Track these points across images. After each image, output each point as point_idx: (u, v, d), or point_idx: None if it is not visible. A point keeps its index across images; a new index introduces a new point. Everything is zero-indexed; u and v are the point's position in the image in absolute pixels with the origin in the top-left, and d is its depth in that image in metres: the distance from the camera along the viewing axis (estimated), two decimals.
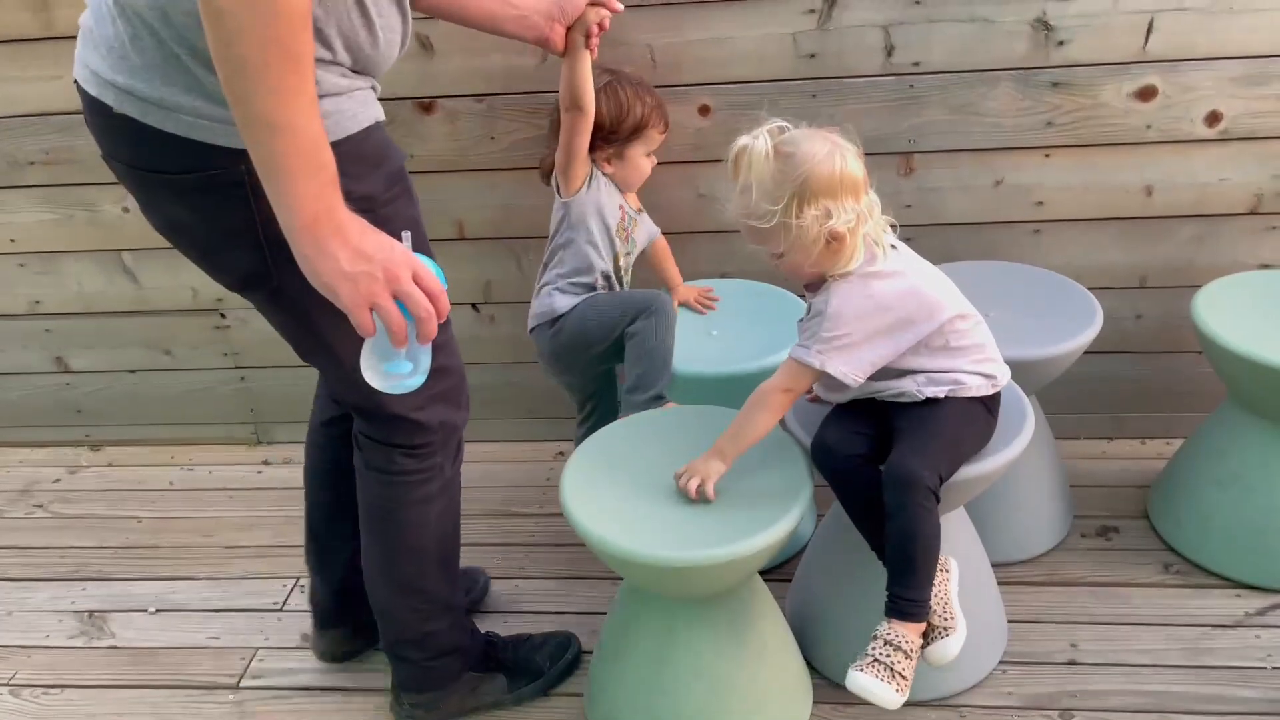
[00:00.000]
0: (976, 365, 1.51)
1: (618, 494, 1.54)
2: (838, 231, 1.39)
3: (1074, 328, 1.84)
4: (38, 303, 2.47)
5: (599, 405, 2.06)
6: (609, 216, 1.89)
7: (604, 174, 1.89)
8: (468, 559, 2.09)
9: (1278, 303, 1.88)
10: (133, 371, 2.54)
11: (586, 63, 1.77)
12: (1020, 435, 1.58)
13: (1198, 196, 2.05)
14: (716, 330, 1.98)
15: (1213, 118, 1.97)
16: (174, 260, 2.35)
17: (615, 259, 1.92)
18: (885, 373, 1.48)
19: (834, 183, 1.39)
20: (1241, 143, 1.99)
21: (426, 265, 1.14)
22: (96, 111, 1.23)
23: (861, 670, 1.39)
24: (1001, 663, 1.78)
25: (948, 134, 2.03)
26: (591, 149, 1.86)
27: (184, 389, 2.55)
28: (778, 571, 1.97)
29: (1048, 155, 2.04)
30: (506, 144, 2.14)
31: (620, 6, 1.75)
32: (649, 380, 1.81)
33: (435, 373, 1.39)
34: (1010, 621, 1.84)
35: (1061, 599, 1.91)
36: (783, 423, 1.65)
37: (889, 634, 1.41)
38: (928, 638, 1.44)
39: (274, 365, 2.48)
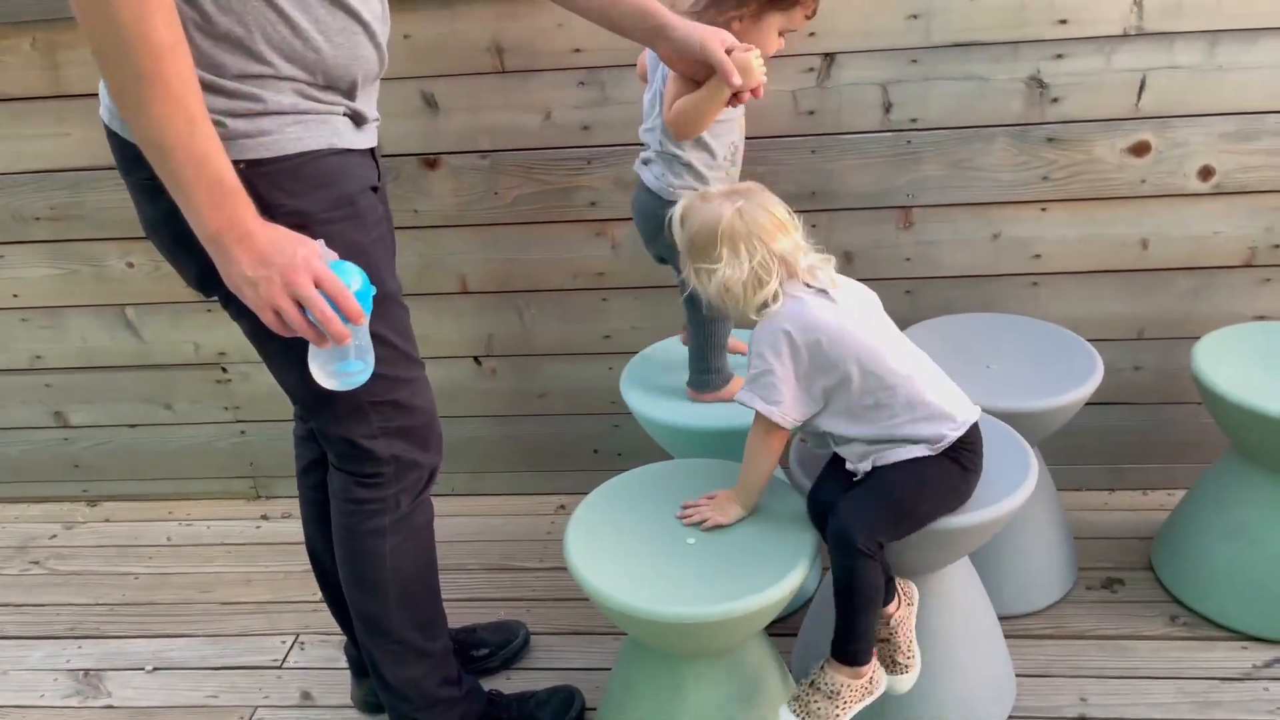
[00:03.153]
0: (913, 428, 1.45)
1: (622, 548, 1.53)
2: (728, 281, 1.43)
3: (1074, 379, 1.85)
4: (39, 357, 2.47)
5: None
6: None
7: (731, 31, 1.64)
8: (470, 614, 2.09)
9: (1276, 354, 1.89)
10: (132, 426, 2.53)
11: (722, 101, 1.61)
12: (1022, 485, 1.57)
13: (1193, 249, 2.07)
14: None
15: (1205, 172, 2.00)
16: (177, 314, 2.39)
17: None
18: (836, 437, 1.50)
19: (712, 237, 1.43)
20: (1234, 197, 2.02)
21: (336, 270, 1.18)
22: (106, 132, 1.31)
23: (786, 705, 1.45)
24: (1011, 717, 1.76)
25: (945, 188, 2.06)
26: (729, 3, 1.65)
27: (183, 443, 2.54)
28: (782, 625, 1.95)
29: (1044, 209, 2.07)
30: (510, 199, 2.16)
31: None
32: (719, 364, 1.86)
33: (392, 407, 1.46)
34: (1019, 675, 1.82)
35: (1069, 652, 1.89)
36: (789, 475, 1.66)
37: (816, 675, 1.45)
38: (889, 669, 1.51)
39: (275, 419, 2.47)
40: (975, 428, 1.50)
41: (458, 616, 2.05)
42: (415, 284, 2.27)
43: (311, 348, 1.23)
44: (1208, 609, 1.93)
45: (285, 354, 1.36)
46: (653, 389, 1.95)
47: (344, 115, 1.33)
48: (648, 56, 1.78)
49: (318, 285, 1.16)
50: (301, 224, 1.22)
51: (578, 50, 2.01)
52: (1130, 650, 1.89)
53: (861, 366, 1.42)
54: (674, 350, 2.07)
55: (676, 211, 1.49)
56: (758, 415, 1.48)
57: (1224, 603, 1.91)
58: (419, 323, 2.29)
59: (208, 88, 1.16)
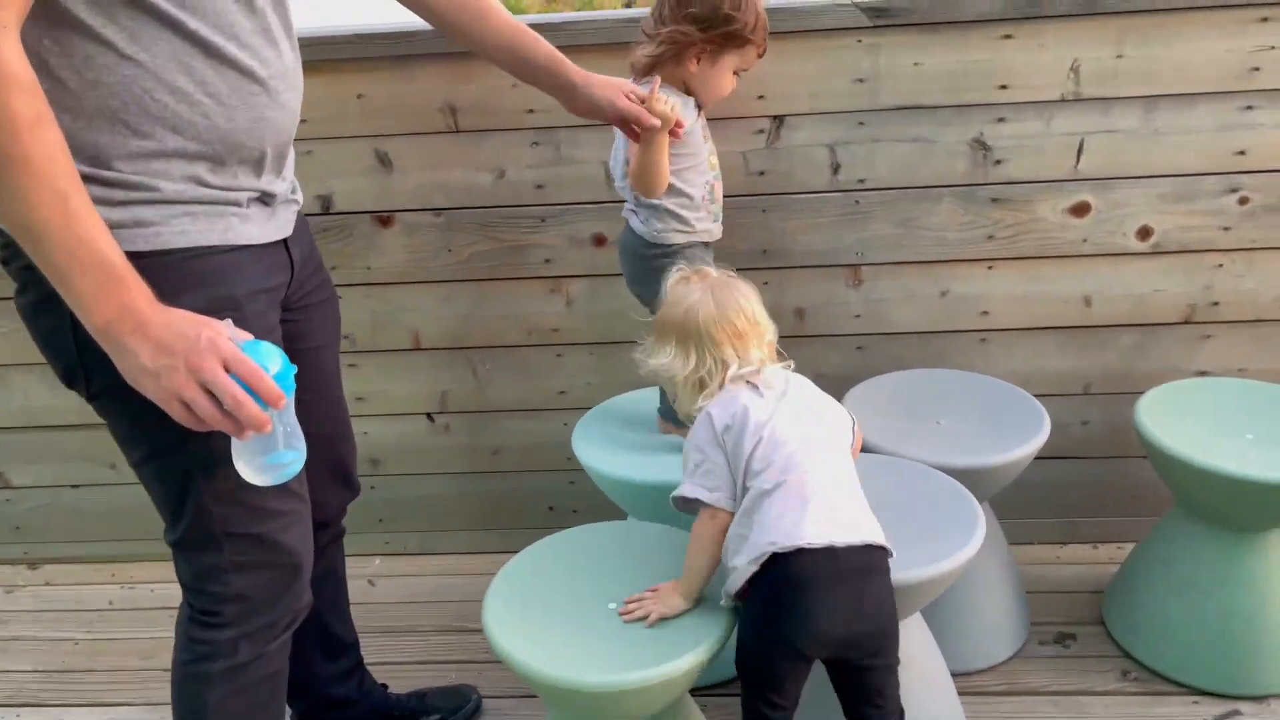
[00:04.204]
0: (759, 547, 1.37)
1: (542, 613, 1.50)
2: (672, 372, 1.46)
3: (1022, 435, 1.87)
4: None
5: None
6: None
7: (688, 73, 1.70)
8: (422, 677, 2.05)
9: (1217, 409, 1.93)
10: (75, 486, 2.47)
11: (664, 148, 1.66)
12: (969, 542, 1.58)
13: (1134, 307, 2.12)
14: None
15: (1144, 232, 2.06)
16: None
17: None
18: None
19: (672, 325, 1.46)
20: (1172, 256, 2.07)
21: (249, 351, 1.08)
22: None
23: None
24: None
25: (894, 247, 2.10)
26: (686, 44, 1.66)
27: (127, 503, 2.48)
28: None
29: (991, 267, 2.11)
30: (464, 256, 2.16)
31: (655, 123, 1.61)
32: None
33: (252, 541, 1.31)
34: None
35: (1023, 709, 1.89)
36: None
37: None
38: None
39: None
40: (819, 555, 1.35)
41: (410, 679, 2.03)
42: (368, 340, 2.26)
43: (235, 443, 1.11)
44: (1159, 664, 1.94)
45: (147, 462, 1.26)
46: (606, 444, 1.94)
47: (251, 201, 1.24)
48: None
49: (228, 369, 1.05)
50: None
51: (531, 110, 2.03)
52: (1083, 707, 1.89)
53: (760, 452, 1.40)
54: (628, 405, 2.07)
55: (670, 277, 1.52)
56: (700, 506, 1.45)
57: (1175, 657, 1.92)
58: (371, 379, 2.31)
59: (85, 180, 1.05)
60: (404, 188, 2.12)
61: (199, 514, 1.26)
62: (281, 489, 1.24)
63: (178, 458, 1.22)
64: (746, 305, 1.46)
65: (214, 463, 1.22)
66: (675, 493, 1.47)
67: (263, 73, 1.20)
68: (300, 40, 1.93)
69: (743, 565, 1.38)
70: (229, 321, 1.10)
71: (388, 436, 2.37)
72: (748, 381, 1.44)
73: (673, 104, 1.60)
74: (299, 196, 1.40)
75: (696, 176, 1.76)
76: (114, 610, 2.39)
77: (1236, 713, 1.85)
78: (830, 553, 1.34)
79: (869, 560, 1.38)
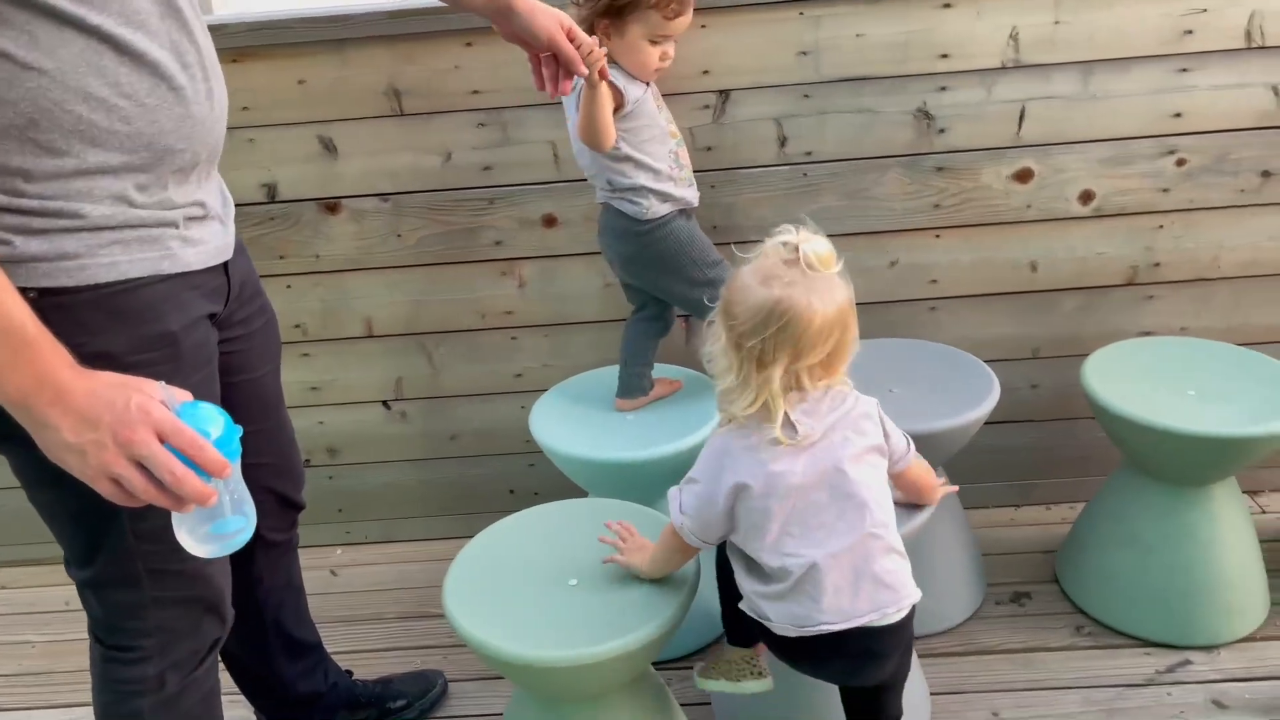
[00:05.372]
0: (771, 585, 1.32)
1: (502, 591, 1.50)
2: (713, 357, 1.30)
3: (972, 400, 1.90)
4: None
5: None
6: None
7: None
8: (387, 664, 2.05)
9: (1159, 367, 1.97)
10: None
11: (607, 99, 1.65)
12: (923, 510, 1.60)
13: (1078, 270, 2.16)
14: (629, 416, 1.99)
15: (1085, 196, 2.09)
16: None
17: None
18: None
19: (732, 308, 1.26)
20: (1113, 219, 2.11)
21: (187, 416, 0.97)
22: None
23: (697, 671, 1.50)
24: None
25: (843, 219, 2.11)
26: (589, 20, 1.68)
27: None
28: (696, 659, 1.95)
29: (938, 236, 2.13)
30: (413, 241, 2.15)
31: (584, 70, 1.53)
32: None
33: (176, 577, 1.24)
34: (933, 693, 1.85)
35: (980, 668, 1.93)
36: None
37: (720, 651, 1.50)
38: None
39: None
40: (841, 640, 1.29)
41: (374, 667, 2.02)
42: (319, 329, 2.24)
43: (175, 513, 1.00)
44: (1110, 618, 1.99)
45: (60, 499, 1.18)
46: (564, 424, 1.95)
47: (187, 220, 1.15)
48: (565, 105, 1.81)
49: (163, 439, 0.93)
50: (103, 369, 0.98)
51: (476, 92, 2.02)
52: (1039, 662, 1.93)
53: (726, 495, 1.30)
54: (585, 385, 2.08)
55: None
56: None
57: (1125, 611, 1.97)
58: (325, 368, 2.29)
59: (1, 209, 0.97)
60: (350, 173, 2.09)
61: (121, 553, 1.19)
62: None
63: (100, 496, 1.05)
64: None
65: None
66: (670, 491, 1.39)
67: (181, 63, 1.10)
68: (237, 26, 1.91)
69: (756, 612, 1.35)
70: (162, 383, 0.98)
71: (344, 425, 2.35)
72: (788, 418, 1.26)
73: (601, 56, 1.56)
74: (232, 209, 1.32)
75: (658, 147, 1.78)
76: (71, 611, 2.35)
77: (1187, 662, 1.90)
78: (849, 634, 1.29)
79: (893, 638, 1.32)
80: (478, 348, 2.26)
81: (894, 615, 1.31)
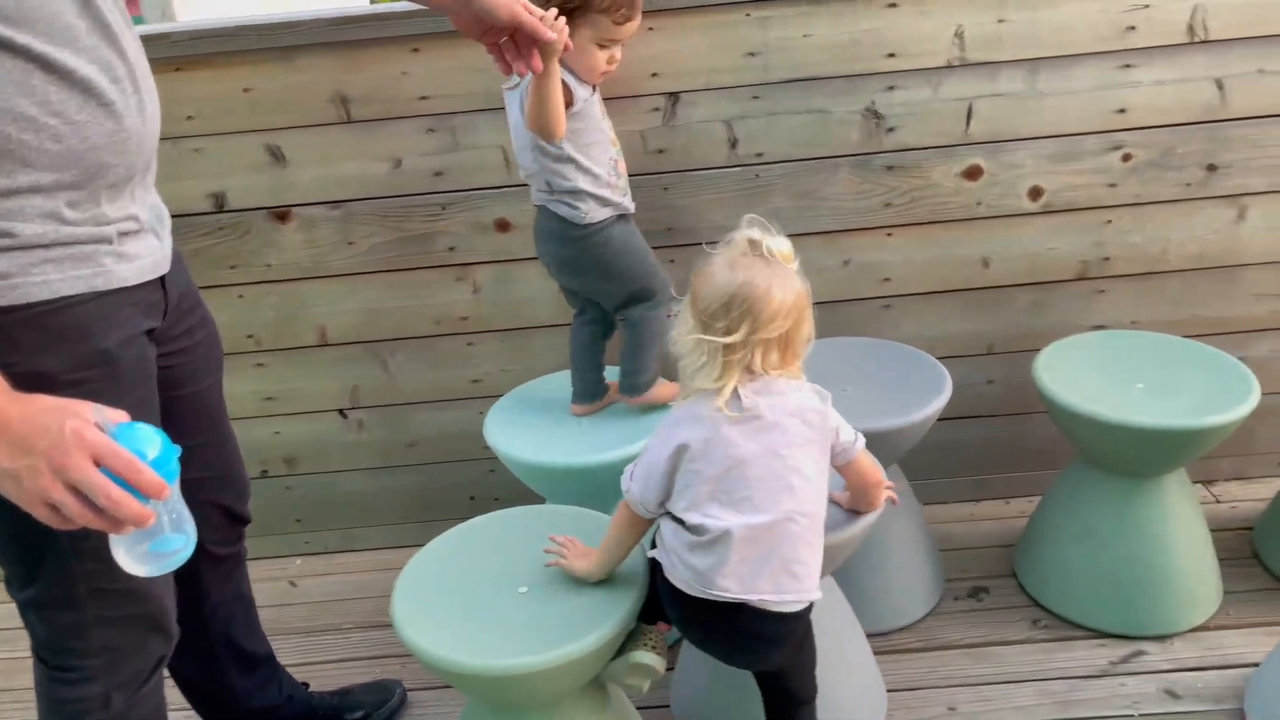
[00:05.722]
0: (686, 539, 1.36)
1: (451, 600, 1.49)
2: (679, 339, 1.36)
3: (925, 397, 1.90)
4: None
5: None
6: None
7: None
8: (346, 674, 2.04)
9: (1110, 361, 1.99)
10: None
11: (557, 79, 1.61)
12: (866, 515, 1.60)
13: (1030, 266, 2.17)
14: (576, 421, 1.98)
15: (1035, 192, 2.11)
16: None
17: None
18: None
19: (700, 292, 1.34)
20: (1063, 214, 2.13)
21: (123, 438, 0.96)
22: None
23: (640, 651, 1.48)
24: None
25: (795, 219, 2.12)
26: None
27: None
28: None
29: (890, 234, 2.14)
30: (366, 248, 2.13)
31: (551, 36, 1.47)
32: (647, 366, 1.88)
33: (120, 596, 1.23)
34: (890, 690, 1.86)
35: (938, 663, 1.94)
36: None
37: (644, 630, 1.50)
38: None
39: None
40: (745, 611, 1.34)
41: (333, 677, 2.01)
42: (274, 339, 2.22)
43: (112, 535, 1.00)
44: (1066, 610, 2.01)
45: None
46: (520, 429, 1.94)
47: (121, 236, 1.13)
48: (507, 102, 1.79)
49: (98, 463, 0.93)
50: (36, 390, 0.97)
51: (425, 98, 2.01)
52: (996, 656, 1.94)
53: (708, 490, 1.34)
54: (541, 390, 2.07)
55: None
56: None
57: (1080, 603, 1.99)
58: (280, 378, 2.27)
59: None
60: (299, 181, 2.08)
61: (63, 573, 1.18)
62: None
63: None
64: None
65: None
66: (627, 468, 1.44)
67: (111, 77, 1.09)
68: (180, 35, 1.89)
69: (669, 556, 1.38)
70: (96, 406, 0.97)
71: (301, 435, 2.33)
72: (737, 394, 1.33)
73: (563, 24, 1.51)
74: (168, 222, 1.30)
75: (600, 153, 1.77)
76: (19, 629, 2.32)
77: (1141, 653, 1.92)
78: (742, 609, 1.34)
79: (783, 627, 1.37)
80: (434, 354, 2.25)
81: (791, 604, 1.35)
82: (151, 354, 1.25)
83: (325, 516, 2.43)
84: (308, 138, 2.04)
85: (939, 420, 2.24)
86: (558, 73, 1.61)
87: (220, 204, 2.09)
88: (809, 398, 1.37)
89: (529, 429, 1.94)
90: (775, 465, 1.33)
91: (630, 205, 1.84)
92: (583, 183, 1.75)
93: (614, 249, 1.81)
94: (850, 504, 1.58)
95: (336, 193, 2.09)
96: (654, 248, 2.10)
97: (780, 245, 1.35)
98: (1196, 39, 1.99)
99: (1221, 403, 1.81)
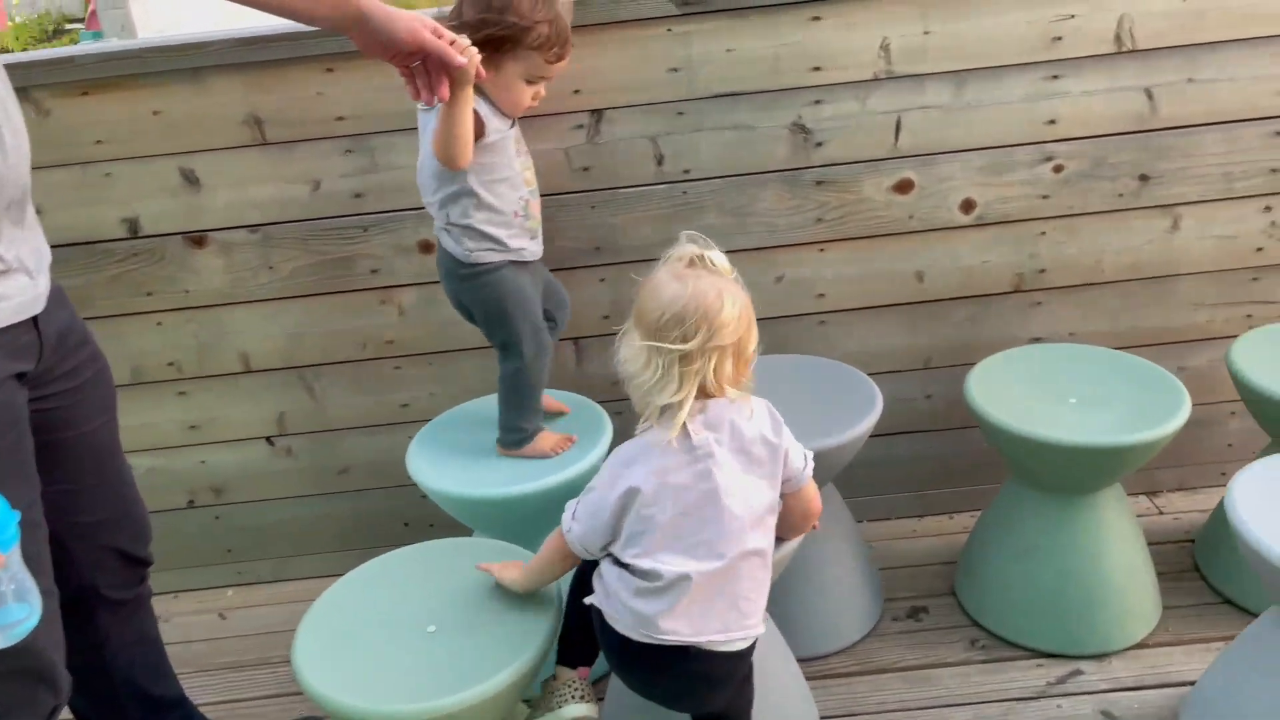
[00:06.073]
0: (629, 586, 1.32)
1: (357, 641, 1.45)
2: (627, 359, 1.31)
3: (856, 415, 1.87)
4: None
5: None
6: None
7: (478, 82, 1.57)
8: (272, 711, 1.98)
9: (1044, 375, 1.96)
10: None
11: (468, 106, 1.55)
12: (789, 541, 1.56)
13: (965, 279, 2.14)
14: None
15: (967, 205, 2.08)
16: None
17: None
18: None
19: (647, 305, 1.30)
20: (997, 227, 2.10)
21: None
22: None
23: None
24: None
25: (727, 235, 2.08)
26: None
27: None
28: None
29: (822, 249, 2.11)
30: (287, 272, 2.08)
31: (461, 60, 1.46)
32: (513, 422, 1.82)
33: None
34: (824, 717, 1.82)
35: (874, 687, 1.90)
36: None
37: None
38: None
39: None
40: (665, 653, 1.30)
41: (261, 713, 1.96)
42: (196, 366, 2.17)
43: None
44: (1004, 630, 1.97)
45: None
46: (444, 458, 1.89)
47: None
48: (421, 124, 1.74)
49: None
50: None
51: (341, 118, 1.96)
52: (933, 679, 1.91)
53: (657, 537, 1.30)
54: (468, 415, 2.02)
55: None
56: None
57: (1018, 623, 1.96)
58: (203, 406, 2.21)
59: None
60: (214, 205, 2.02)
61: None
62: None
63: None
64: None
65: None
66: (570, 500, 1.40)
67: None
68: (86, 59, 1.84)
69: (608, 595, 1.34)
70: None
71: (228, 464, 2.28)
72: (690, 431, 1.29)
73: (475, 53, 1.48)
74: (47, 260, 1.24)
75: (509, 191, 1.70)
76: None
77: (1078, 672, 1.89)
78: (688, 652, 1.30)
79: (729, 666, 1.34)
80: (361, 379, 2.20)
81: (737, 643, 1.32)
82: (21, 399, 1.20)
83: (257, 546, 2.37)
84: (222, 160, 1.99)
85: (879, 437, 2.22)
86: (469, 101, 1.55)
87: (134, 230, 2.03)
88: (762, 425, 1.33)
89: (453, 458, 1.89)
90: (731, 505, 1.29)
91: (533, 252, 1.76)
92: (480, 220, 1.68)
93: (497, 295, 1.74)
94: (779, 530, 1.54)
95: (254, 216, 2.04)
96: (582, 267, 2.08)
97: (720, 259, 1.34)
98: (1124, 49, 1.96)
99: (1152, 418, 1.79)
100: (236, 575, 2.40)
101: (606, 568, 1.36)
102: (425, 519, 2.34)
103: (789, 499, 1.43)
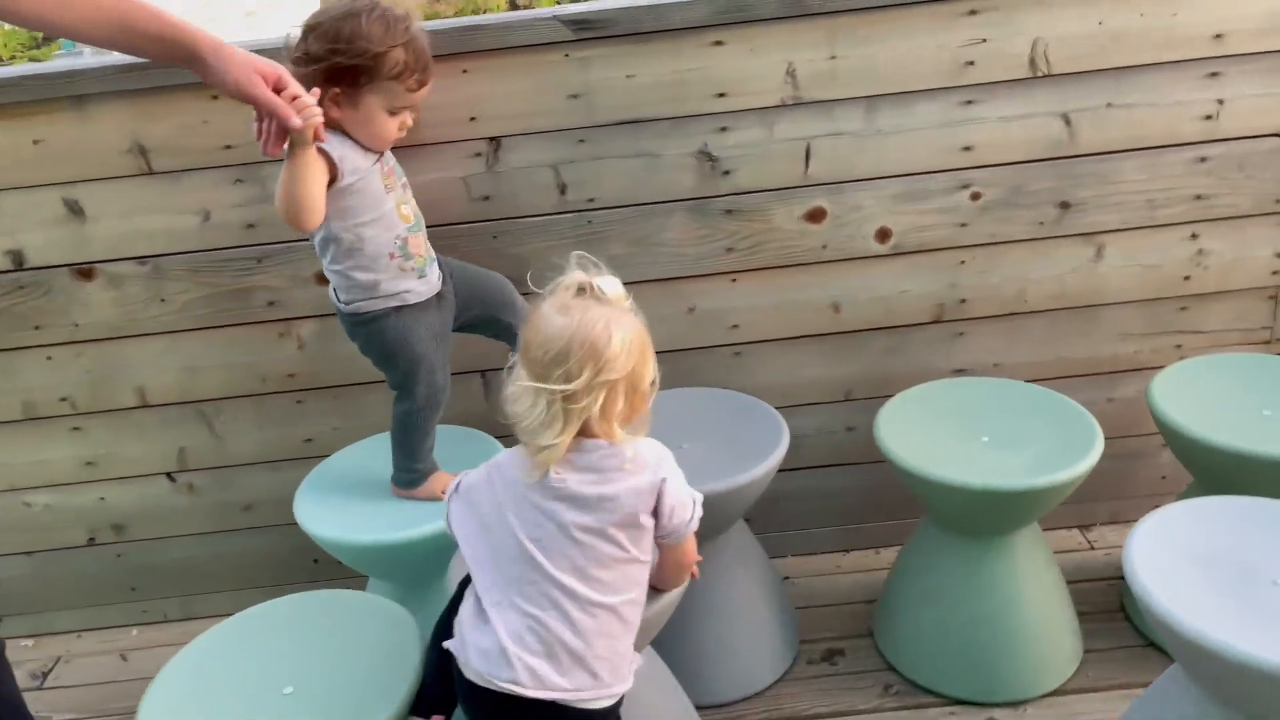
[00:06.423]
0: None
1: (208, 709, 1.38)
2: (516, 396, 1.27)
3: (763, 451, 1.79)
4: None
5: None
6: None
7: (334, 118, 1.52)
8: None
9: (958, 411, 1.90)
10: None
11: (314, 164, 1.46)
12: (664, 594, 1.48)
13: (883, 310, 2.08)
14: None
15: (882, 234, 2.01)
16: None
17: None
18: None
19: (531, 341, 1.27)
20: (914, 256, 2.03)
21: None
22: None
23: None
24: None
25: (634, 265, 2.01)
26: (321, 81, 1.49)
27: None
28: None
29: (734, 280, 2.04)
30: (179, 305, 2.01)
31: (298, 123, 1.40)
32: (405, 463, 1.75)
33: None
34: None
35: None
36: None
37: None
38: None
39: None
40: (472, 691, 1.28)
41: None
42: (90, 401, 2.10)
43: None
44: (918, 675, 1.90)
45: None
46: (334, 500, 1.82)
47: None
48: None
49: None
50: None
51: (229, 147, 1.89)
52: None
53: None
54: (361, 454, 1.95)
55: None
56: None
57: (931, 668, 1.88)
58: (100, 442, 2.14)
59: None
60: (101, 236, 1.95)
61: None
62: None
63: None
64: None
65: None
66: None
67: None
68: None
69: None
70: None
71: (128, 501, 2.20)
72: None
73: (315, 114, 1.40)
74: None
75: (380, 233, 1.60)
76: None
77: None
78: (549, 708, 1.25)
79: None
80: (262, 413, 2.13)
81: (590, 700, 1.25)
82: None
83: (162, 584, 2.30)
84: (107, 190, 1.92)
85: (801, 469, 2.16)
86: (311, 163, 1.45)
87: (19, 262, 1.97)
88: (639, 480, 1.26)
89: (344, 500, 1.82)
90: (568, 550, 1.24)
91: (421, 292, 1.67)
92: (350, 267, 1.59)
93: (378, 342, 1.67)
94: (654, 580, 1.47)
95: (143, 248, 1.97)
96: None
97: (610, 286, 1.28)
98: (1039, 73, 1.90)
99: (1064, 458, 1.72)
100: (141, 614, 2.33)
101: (465, 604, 1.32)
102: (334, 557, 2.26)
103: (664, 551, 1.37)
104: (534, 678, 1.23)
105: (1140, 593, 1.36)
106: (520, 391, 1.24)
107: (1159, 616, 1.32)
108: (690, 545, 1.37)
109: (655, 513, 1.28)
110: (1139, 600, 1.37)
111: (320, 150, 1.48)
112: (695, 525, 1.33)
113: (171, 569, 2.28)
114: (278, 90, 1.39)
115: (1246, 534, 1.45)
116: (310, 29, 1.52)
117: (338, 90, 1.51)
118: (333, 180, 1.52)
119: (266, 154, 1.45)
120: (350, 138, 1.56)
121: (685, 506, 1.30)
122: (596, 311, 1.24)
